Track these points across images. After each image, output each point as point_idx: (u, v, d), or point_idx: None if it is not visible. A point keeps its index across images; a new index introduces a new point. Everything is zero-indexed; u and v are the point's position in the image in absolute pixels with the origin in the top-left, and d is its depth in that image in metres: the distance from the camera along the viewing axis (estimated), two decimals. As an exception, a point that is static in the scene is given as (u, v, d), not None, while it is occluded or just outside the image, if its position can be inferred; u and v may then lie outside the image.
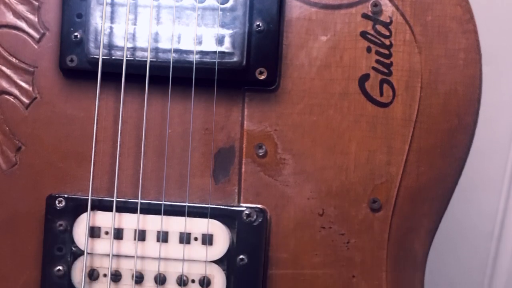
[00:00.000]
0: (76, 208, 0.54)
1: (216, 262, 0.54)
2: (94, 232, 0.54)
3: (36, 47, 0.54)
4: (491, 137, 0.93)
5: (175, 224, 0.53)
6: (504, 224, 0.95)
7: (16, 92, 0.54)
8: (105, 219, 0.53)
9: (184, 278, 0.54)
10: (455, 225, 0.95)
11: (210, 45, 0.52)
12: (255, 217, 0.54)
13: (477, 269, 0.97)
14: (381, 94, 0.54)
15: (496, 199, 0.95)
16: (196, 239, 0.54)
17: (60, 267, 0.54)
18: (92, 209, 0.53)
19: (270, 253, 0.54)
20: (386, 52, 0.53)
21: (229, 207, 0.54)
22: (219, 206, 0.54)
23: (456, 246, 0.96)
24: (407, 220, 0.55)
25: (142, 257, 0.54)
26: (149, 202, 0.53)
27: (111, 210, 0.53)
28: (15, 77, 0.54)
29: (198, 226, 0.53)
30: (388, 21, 0.53)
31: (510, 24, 0.92)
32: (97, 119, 0.53)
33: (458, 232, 0.95)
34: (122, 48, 0.52)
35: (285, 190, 0.54)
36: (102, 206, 0.54)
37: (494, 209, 0.95)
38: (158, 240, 0.53)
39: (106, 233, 0.54)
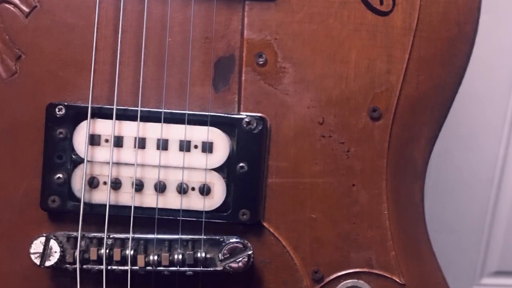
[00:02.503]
0: (76, 116, 0.53)
1: (216, 170, 0.54)
2: (94, 140, 0.54)
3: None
4: (491, 84, 0.93)
5: (175, 132, 0.53)
6: (504, 171, 0.96)
7: (16, 0, 0.54)
8: (105, 127, 0.53)
9: (184, 186, 0.54)
10: (455, 172, 0.95)
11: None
12: (255, 125, 0.53)
13: (477, 216, 0.97)
14: (381, 3, 0.53)
15: (496, 146, 0.95)
16: (196, 147, 0.54)
17: (60, 175, 0.54)
18: (92, 116, 0.53)
19: (270, 161, 0.54)
20: (386, -42, 0.53)
21: (229, 115, 0.54)
22: (219, 114, 0.54)
23: (456, 193, 0.96)
24: (407, 129, 0.55)
25: (142, 165, 0.54)
26: (149, 110, 0.53)
27: (111, 118, 0.53)
28: (15, -15, 0.54)
29: (198, 134, 0.53)
30: None
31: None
32: (97, 28, 0.53)
33: (458, 179, 0.96)
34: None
35: (285, 98, 0.54)
36: (102, 113, 0.53)
37: (494, 156, 0.95)
38: (158, 148, 0.53)
39: (106, 140, 0.54)
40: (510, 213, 0.97)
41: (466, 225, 0.97)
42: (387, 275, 0.55)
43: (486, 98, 0.94)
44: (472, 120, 0.94)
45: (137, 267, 0.53)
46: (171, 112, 0.53)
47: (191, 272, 0.54)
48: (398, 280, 0.55)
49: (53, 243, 0.53)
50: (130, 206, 0.53)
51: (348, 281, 0.55)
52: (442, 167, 0.95)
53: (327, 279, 0.55)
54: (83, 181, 0.53)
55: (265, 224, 0.55)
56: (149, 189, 0.54)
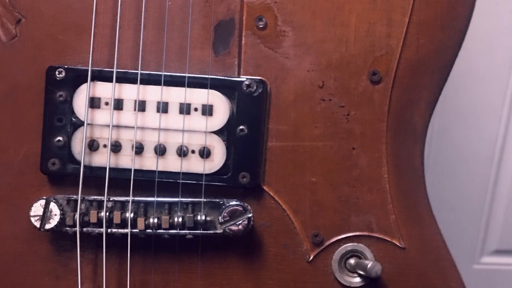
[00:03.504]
0: (76, 78, 0.53)
1: (216, 132, 0.54)
2: (94, 103, 0.54)
3: None
4: (491, 63, 0.93)
5: (175, 95, 0.53)
6: (504, 150, 0.96)
7: (16, -36, 0.54)
8: (105, 90, 0.53)
9: (184, 148, 0.54)
10: (455, 150, 0.95)
11: None
12: (255, 87, 0.53)
13: (477, 195, 0.97)
14: (381, -34, 0.53)
15: (496, 125, 0.95)
16: (196, 109, 0.54)
17: (60, 138, 0.54)
18: (92, 79, 0.53)
19: (270, 125, 0.54)
20: None
21: (229, 78, 0.54)
22: (219, 77, 0.54)
23: (456, 171, 0.96)
24: (407, 92, 0.54)
25: (142, 128, 0.54)
26: (149, 73, 0.53)
27: (111, 81, 0.53)
28: (14, -51, 0.54)
29: (198, 96, 0.53)
30: None
31: None
32: (97, -9, 0.53)
33: (458, 157, 0.96)
34: None
35: (285, 62, 0.54)
36: (102, 76, 0.53)
37: (494, 135, 0.95)
38: (158, 111, 0.53)
39: (106, 103, 0.54)
40: (510, 191, 0.97)
41: (466, 204, 0.97)
42: (387, 239, 0.55)
43: (486, 77, 0.94)
44: (472, 99, 0.94)
45: (137, 230, 0.53)
46: (171, 75, 0.53)
47: (191, 236, 0.54)
48: (398, 244, 0.55)
49: (53, 206, 0.53)
50: (130, 169, 0.53)
51: (348, 244, 0.55)
52: (442, 146, 0.95)
53: (327, 243, 0.55)
54: (83, 144, 0.53)
55: (265, 187, 0.55)
56: (149, 152, 0.54)
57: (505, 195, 0.97)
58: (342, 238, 0.55)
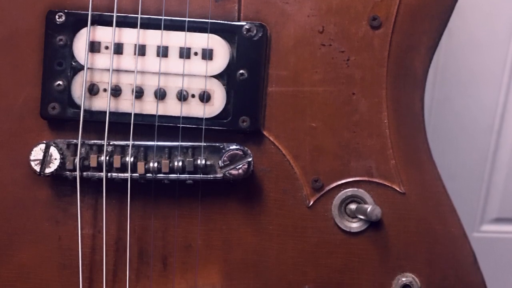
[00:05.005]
0: (76, 22, 0.53)
1: (216, 77, 0.54)
2: (94, 47, 0.53)
3: None
4: (491, 31, 0.93)
5: (175, 39, 0.53)
6: (504, 118, 0.96)
7: None
8: (105, 34, 0.53)
9: (184, 92, 0.54)
10: (455, 119, 0.95)
11: None
12: (255, 32, 0.53)
13: (477, 163, 0.97)
14: None
15: (496, 93, 0.95)
16: (196, 53, 0.54)
17: (60, 82, 0.54)
18: (92, 23, 0.53)
19: (270, 70, 0.54)
20: None
21: (229, 22, 0.54)
22: (219, 21, 0.54)
23: (456, 140, 0.96)
24: (407, 37, 0.54)
25: (142, 72, 0.54)
26: (149, 17, 0.53)
27: (111, 25, 0.53)
28: None
29: (198, 40, 0.53)
30: None
31: None
32: None
33: (458, 126, 0.96)
34: None
35: (285, 7, 0.54)
36: (102, 21, 0.53)
37: (494, 103, 0.95)
38: (158, 55, 0.53)
39: (106, 47, 0.54)
40: (510, 160, 0.97)
41: (466, 172, 0.97)
42: (387, 184, 0.55)
43: (486, 45, 0.94)
44: (472, 67, 0.94)
45: (137, 175, 0.53)
46: (171, 19, 0.53)
47: (191, 181, 0.54)
48: (398, 189, 0.55)
49: (53, 150, 0.53)
50: (130, 113, 0.53)
51: (348, 189, 0.55)
52: (442, 114, 0.95)
53: (327, 188, 0.55)
54: (83, 88, 0.53)
55: (265, 132, 0.55)
56: (149, 96, 0.54)
57: (505, 163, 0.97)
58: (342, 183, 0.55)
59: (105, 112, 0.53)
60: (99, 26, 0.53)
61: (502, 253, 1.00)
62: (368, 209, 0.52)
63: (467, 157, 0.96)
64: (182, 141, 0.54)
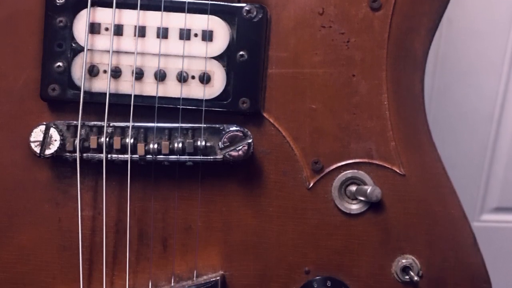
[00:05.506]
0: (76, 4, 0.53)
1: (216, 58, 0.54)
2: (94, 28, 0.53)
3: None
4: (491, 20, 0.93)
5: (175, 20, 0.53)
6: (504, 107, 0.96)
7: None
8: (105, 15, 0.53)
9: (184, 74, 0.54)
10: (455, 108, 0.95)
11: None
12: (255, 13, 0.53)
13: (477, 152, 0.97)
14: None
15: (496, 82, 0.95)
16: (196, 35, 0.54)
17: (60, 63, 0.54)
18: (92, 5, 0.53)
19: (270, 52, 0.54)
20: None
21: (229, 4, 0.53)
22: (219, 3, 0.53)
23: (456, 129, 0.96)
24: (407, 19, 0.54)
25: (142, 53, 0.53)
26: (149, -2, 0.53)
27: (111, 6, 0.53)
28: None
29: (198, 22, 0.53)
30: None
31: None
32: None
33: (458, 115, 0.96)
34: None
35: (285, -11, 0.54)
36: (102, 2, 0.53)
37: (494, 92, 0.95)
38: (158, 36, 0.53)
39: (106, 29, 0.53)
40: (510, 149, 0.97)
41: (466, 161, 0.97)
42: (387, 166, 0.55)
43: (486, 34, 0.94)
44: (472, 56, 0.94)
45: (137, 156, 0.53)
46: (171, 1, 0.53)
47: (191, 163, 0.54)
48: (398, 171, 0.55)
49: (53, 132, 0.53)
50: (130, 95, 0.53)
51: (348, 171, 0.55)
52: (442, 103, 0.95)
53: (327, 170, 0.55)
54: (83, 69, 0.53)
55: (265, 114, 0.55)
56: (149, 77, 0.54)
57: (505, 153, 0.97)
58: (342, 165, 0.55)
59: (105, 94, 0.53)
60: (99, 8, 0.53)
61: (502, 242, 1.00)
62: (368, 190, 0.52)
63: (467, 146, 0.96)
64: (182, 123, 0.54)
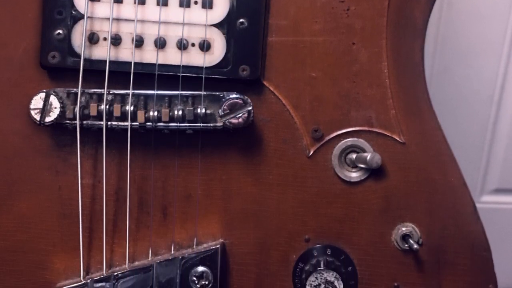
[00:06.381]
0: (76, -29, 0.53)
1: (216, 26, 0.54)
2: (94, -4, 0.54)
3: None
4: (491, 1, 0.93)
5: (175, -12, 0.53)
6: (504, 89, 0.95)
7: None
8: (105, -17, 0.53)
9: (184, 41, 0.54)
10: (455, 90, 0.95)
11: None
12: (255, -19, 0.53)
13: (477, 134, 0.97)
14: None
15: (496, 64, 0.95)
16: (196, 2, 0.53)
17: (60, 31, 0.54)
18: (92, -28, 0.53)
19: (270, 20, 0.54)
20: None
21: (229, -29, 0.54)
22: (219, -30, 0.54)
23: (456, 111, 0.96)
24: (407, -13, 0.54)
25: (142, 21, 0.53)
26: (149, -34, 0.53)
27: (111, -26, 0.53)
28: None
29: (198, -11, 0.53)
30: None
31: None
32: None
33: (458, 97, 0.95)
34: None
35: (285, -42, 0.54)
36: (102, -31, 0.53)
37: (494, 74, 0.95)
38: (158, 4, 0.53)
39: (106, -4, 0.54)
40: (510, 130, 0.96)
41: (466, 143, 0.97)
42: (387, 134, 0.55)
43: (486, 15, 0.93)
44: (472, 37, 0.94)
45: (137, 123, 0.53)
46: (171, -32, 0.53)
47: (191, 131, 0.54)
48: (398, 139, 0.55)
49: (53, 99, 0.53)
50: (130, 62, 0.53)
51: (348, 139, 0.55)
52: (442, 85, 0.95)
53: (327, 138, 0.55)
54: (83, 37, 0.53)
55: (265, 82, 0.55)
56: (149, 45, 0.54)
57: (505, 134, 0.97)
58: (342, 133, 0.55)
59: (105, 61, 0.53)
60: (99, -25, 0.53)
61: (502, 223, 1.00)
62: (368, 157, 0.52)
63: (467, 127, 0.96)
64: (182, 90, 0.54)
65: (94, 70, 0.54)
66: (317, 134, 0.55)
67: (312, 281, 0.53)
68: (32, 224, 0.55)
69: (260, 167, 0.55)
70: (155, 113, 0.53)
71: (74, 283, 0.54)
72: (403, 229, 0.55)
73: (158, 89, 0.54)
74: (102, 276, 0.54)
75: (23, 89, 0.55)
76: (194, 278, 0.54)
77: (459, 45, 0.94)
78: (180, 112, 0.53)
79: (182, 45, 0.53)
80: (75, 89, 0.53)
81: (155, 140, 0.55)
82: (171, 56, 0.54)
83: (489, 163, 0.98)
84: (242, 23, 0.54)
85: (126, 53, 0.54)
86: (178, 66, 0.54)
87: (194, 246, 0.55)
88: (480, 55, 0.94)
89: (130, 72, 0.53)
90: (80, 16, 0.54)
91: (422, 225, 0.55)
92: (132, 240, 0.55)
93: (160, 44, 0.54)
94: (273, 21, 0.54)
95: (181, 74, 0.54)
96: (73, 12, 0.54)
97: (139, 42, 0.54)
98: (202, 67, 0.54)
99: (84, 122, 0.53)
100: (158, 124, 0.53)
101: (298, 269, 0.55)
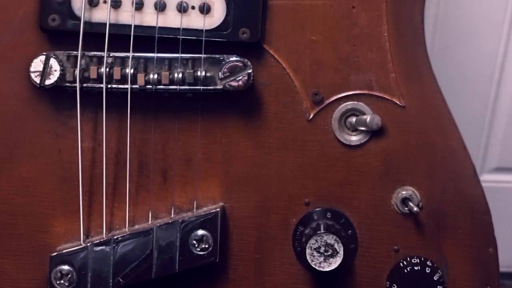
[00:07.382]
0: None
1: (216, -12, 0.54)
2: (94, -42, 0.53)
3: None
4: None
5: (175, -50, 0.53)
6: (504, 67, 0.95)
7: None
8: None
9: (184, 4, 0.54)
10: (455, 68, 0.95)
11: None
12: None
13: (477, 112, 0.97)
14: None
15: (496, 42, 0.95)
16: (196, -35, 0.54)
17: (60, -8, 0.54)
18: None
19: (270, -17, 0.54)
20: None
21: None
22: None
23: (456, 89, 0.96)
24: (407, -50, 0.54)
25: (142, -17, 0.54)
26: None
27: None
28: None
29: (198, -48, 0.53)
30: None
31: None
32: None
33: (458, 75, 0.95)
34: None
35: None
36: None
37: (494, 52, 0.95)
38: (158, -34, 0.53)
39: (106, -41, 0.53)
40: (510, 109, 0.97)
41: (466, 122, 0.96)
42: (387, 97, 0.55)
43: (486, -6, 0.94)
44: (472, 16, 0.94)
45: (137, 86, 0.53)
46: None
47: (191, 94, 0.54)
48: (398, 102, 0.55)
49: (53, 62, 0.53)
50: (130, 25, 0.53)
51: (348, 103, 0.55)
52: (442, 64, 0.94)
53: (327, 101, 0.55)
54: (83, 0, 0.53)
55: (265, 46, 0.54)
56: (149, 7, 0.54)
57: (505, 113, 0.97)
58: (342, 97, 0.55)
59: (105, 24, 0.53)
60: None
61: (502, 202, 1.00)
62: (368, 119, 0.52)
63: (467, 106, 0.96)
64: (182, 53, 0.54)
65: (94, 33, 0.54)
66: (317, 97, 0.55)
67: (312, 244, 0.53)
68: (32, 188, 0.55)
69: (260, 131, 0.55)
70: (155, 76, 0.53)
71: (74, 247, 0.54)
72: (403, 192, 0.55)
73: (158, 52, 0.54)
74: (102, 240, 0.54)
75: (23, 52, 0.55)
76: (194, 242, 0.54)
77: (459, 24, 0.94)
78: (180, 75, 0.53)
79: (182, 8, 0.53)
80: (75, 52, 0.53)
81: (155, 104, 0.55)
82: (171, 19, 0.54)
83: (489, 142, 0.98)
84: (242, -15, 0.54)
85: (126, 16, 0.54)
86: (178, 29, 0.54)
87: (194, 210, 0.55)
88: (480, 34, 0.94)
89: (130, 35, 0.53)
90: (80, -21, 0.54)
91: (422, 189, 0.55)
92: (132, 203, 0.55)
93: (160, 6, 0.53)
94: (273, -16, 0.54)
95: (181, 37, 0.54)
96: (73, -25, 0.54)
97: (139, 5, 0.54)
98: (202, 30, 0.54)
99: (84, 85, 0.53)
100: (158, 87, 0.53)
101: (298, 233, 0.55)
